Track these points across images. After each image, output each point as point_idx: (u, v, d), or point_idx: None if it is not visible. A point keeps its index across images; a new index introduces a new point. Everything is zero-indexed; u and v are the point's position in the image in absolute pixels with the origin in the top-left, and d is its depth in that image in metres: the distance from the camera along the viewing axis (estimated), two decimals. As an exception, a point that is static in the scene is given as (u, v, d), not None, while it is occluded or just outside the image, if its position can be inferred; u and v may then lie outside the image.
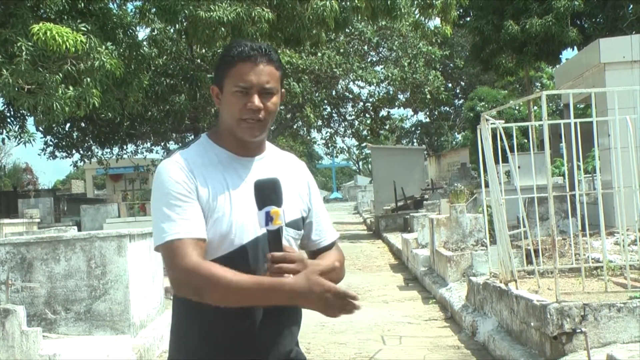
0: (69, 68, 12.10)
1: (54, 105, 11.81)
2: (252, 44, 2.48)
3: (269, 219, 2.30)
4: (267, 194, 2.34)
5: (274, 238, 2.35)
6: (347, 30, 23.32)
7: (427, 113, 46.25)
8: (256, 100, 2.44)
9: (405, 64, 27.79)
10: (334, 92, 29.99)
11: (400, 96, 30.54)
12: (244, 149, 2.52)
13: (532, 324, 6.46)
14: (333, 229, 2.78)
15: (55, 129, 23.89)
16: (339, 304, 2.33)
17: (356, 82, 29.57)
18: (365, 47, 29.66)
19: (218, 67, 2.54)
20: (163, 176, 2.45)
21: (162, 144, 27.88)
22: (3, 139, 20.50)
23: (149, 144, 28.64)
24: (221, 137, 2.55)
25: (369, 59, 30.15)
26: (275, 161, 2.61)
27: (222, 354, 2.44)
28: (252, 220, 2.40)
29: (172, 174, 2.43)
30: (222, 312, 2.38)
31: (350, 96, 31.19)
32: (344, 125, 32.43)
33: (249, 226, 2.42)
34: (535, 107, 29.50)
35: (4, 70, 11.69)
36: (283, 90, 2.59)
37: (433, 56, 28.46)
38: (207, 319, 2.43)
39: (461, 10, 23.85)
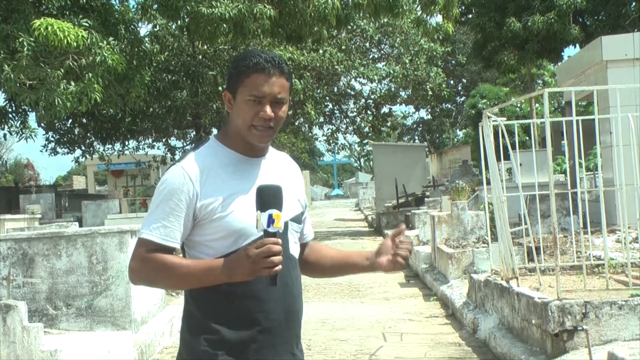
0: (71, 63, 12.11)
1: (56, 100, 11.82)
2: (266, 56, 2.63)
3: (271, 221, 2.43)
4: (271, 198, 2.46)
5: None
6: (348, 27, 23.30)
7: (429, 110, 46.23)
8: (268, 110, 2.60)
9: (407, 61, 27.75)
10: (335, 89, 29.96)
11: (402, 93, 30.51)
12: (252, 150, 2.69)
13: (533, 321, 6.46)
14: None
15: (56, 125, 23.92)
16: (260, 257, 2.41)
17: (358, 79, 29.55)
18: (367, 44, 29.62)
19: (232, 74, 2.66)
20: (166, 179, 2.64)
21: (164, 140, 27.90)
22: (5, 135, 20.52)
23: (150, 140, 28.67)
24: (230, 139, 2.70)
25: (370, 56, 30.10)
26: (276, 160, 2.79)
27: (242, 341, 2.58)
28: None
29: (174, 180, 2.61)
30: (235, 301, 2.57)
31: (352, 93, 31.15)
32: (345, 121, 32.40)
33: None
34: (537, 105, 29.46)
35: (6, 66, 11.69)
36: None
37: (434, 53, 28.42)
38: (221, 306, 2.59)
39: (463, 8, 23.82)
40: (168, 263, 2.57)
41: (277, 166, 2.77)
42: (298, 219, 2.76)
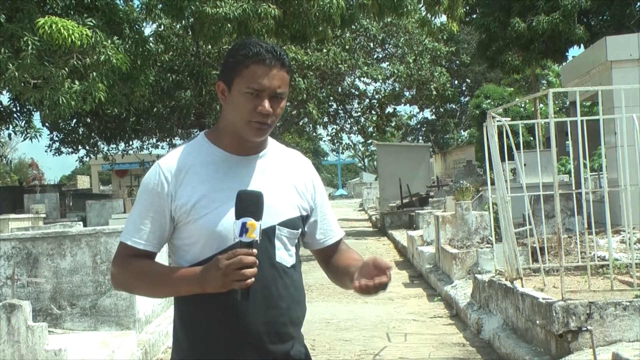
0: (75, 62, 12.11)
1: (60, 99, 11.82)
2: (266, 46, 2.43)
3: (244, 230, 2.25)
4: (247, 205, 2.27)
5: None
6: (352, 26, 23.30)
7: (433, 110, 46.24)
8: (267, 104, 2.39)
9: (411, 60, 27.73)
10: (339, 89, 29.94)
11: (406, 93, 30.49)
12: (242, 148, 2.49)
13: (537, 322, 6.45)
14: (339, 228, 2.74)
15: (61, 124, 23.96)
16: (231, 269, 2.23)
17: (362, 78, 29.54)
18: (371, 44, 29.60)
19: (228, 64, 2.45)
20: (144, 179, 2.52)
21: (168, 139, 27.91)
22: (9, 134, 20.58)
23: (154, 140, 28.68)
24: (220, 135, 2.52)
25: (374, 56, 30.09)
26: (276, 159, 2.57)
27: (211, 354, 2.43)
28: None
29: (149, 179, 2.49)
30: (208, 310, 2.40)
31: (356, 93, 31.14)
32: (349, 121, 32.38)
33: None
34: (541, 105, 29.41)
35: (10, 65, 11.70)
36: None
37: (438, 53, 28.39)
38: (196, 318, 2.44)
39: (467, 8, 23.78)
40: (144, 269, 2.45)
41: (274, 166, 2.54)
42: (293, 224, 2.52)
